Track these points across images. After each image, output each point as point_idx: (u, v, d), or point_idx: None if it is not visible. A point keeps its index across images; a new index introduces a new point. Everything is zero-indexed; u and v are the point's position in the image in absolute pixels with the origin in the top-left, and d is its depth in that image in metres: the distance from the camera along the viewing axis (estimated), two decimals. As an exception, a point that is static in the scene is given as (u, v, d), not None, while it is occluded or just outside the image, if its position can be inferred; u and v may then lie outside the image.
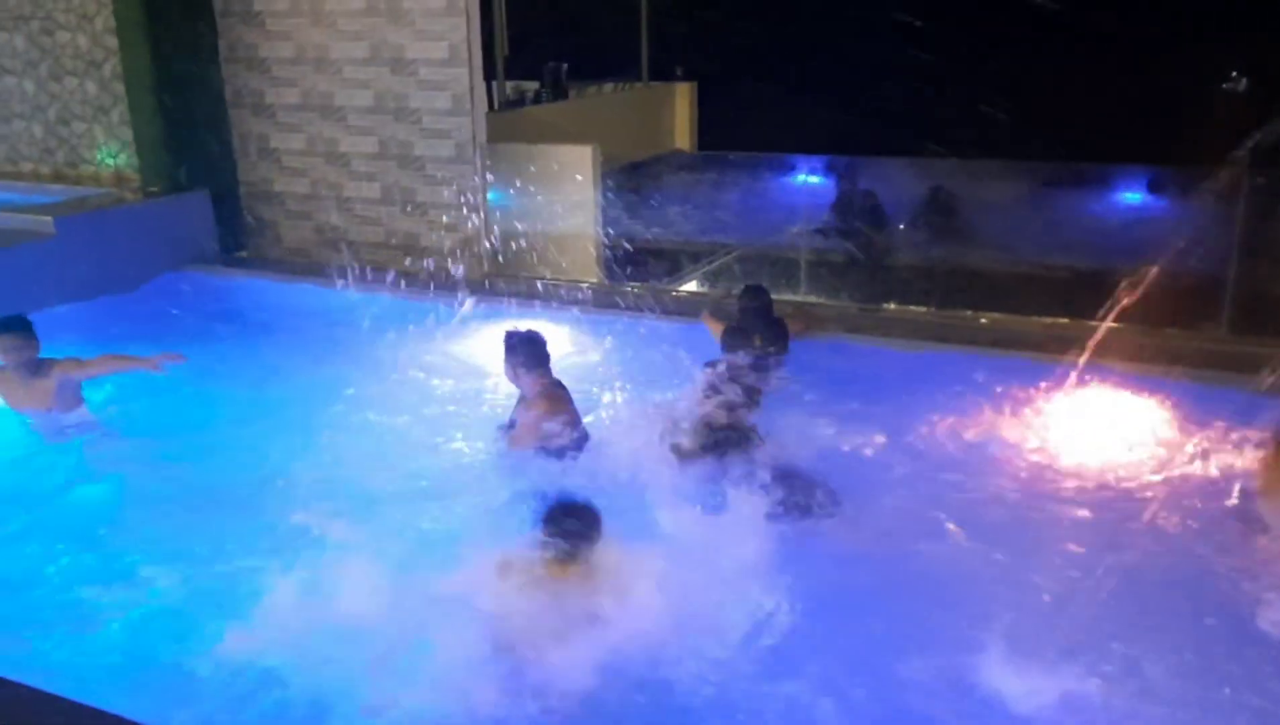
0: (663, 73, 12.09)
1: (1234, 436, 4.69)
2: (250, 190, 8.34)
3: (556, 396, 4.65)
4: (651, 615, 3.44)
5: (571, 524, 3.41)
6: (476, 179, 7.52)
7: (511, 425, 4.76)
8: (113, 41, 8.11)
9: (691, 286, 7.89)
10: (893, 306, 6.65)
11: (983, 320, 6.29)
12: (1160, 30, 11.25)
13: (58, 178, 8.92)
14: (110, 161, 8.63)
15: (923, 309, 6.50)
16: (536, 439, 4.55)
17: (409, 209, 7.80)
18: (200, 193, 8.06)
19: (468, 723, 3.11)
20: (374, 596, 3.59)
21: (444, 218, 7.71)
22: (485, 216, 7.60)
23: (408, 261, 7.85)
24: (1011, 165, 9.18)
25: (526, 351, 4.64)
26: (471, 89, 7.35)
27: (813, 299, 7.04)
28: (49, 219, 7.19)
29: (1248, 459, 4.45)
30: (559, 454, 4.53)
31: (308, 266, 7.99)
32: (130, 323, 6.83)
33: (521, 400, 4.76)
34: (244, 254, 8.33)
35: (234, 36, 7.97)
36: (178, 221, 7.92)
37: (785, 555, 3.86)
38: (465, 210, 7.61)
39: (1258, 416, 4.61)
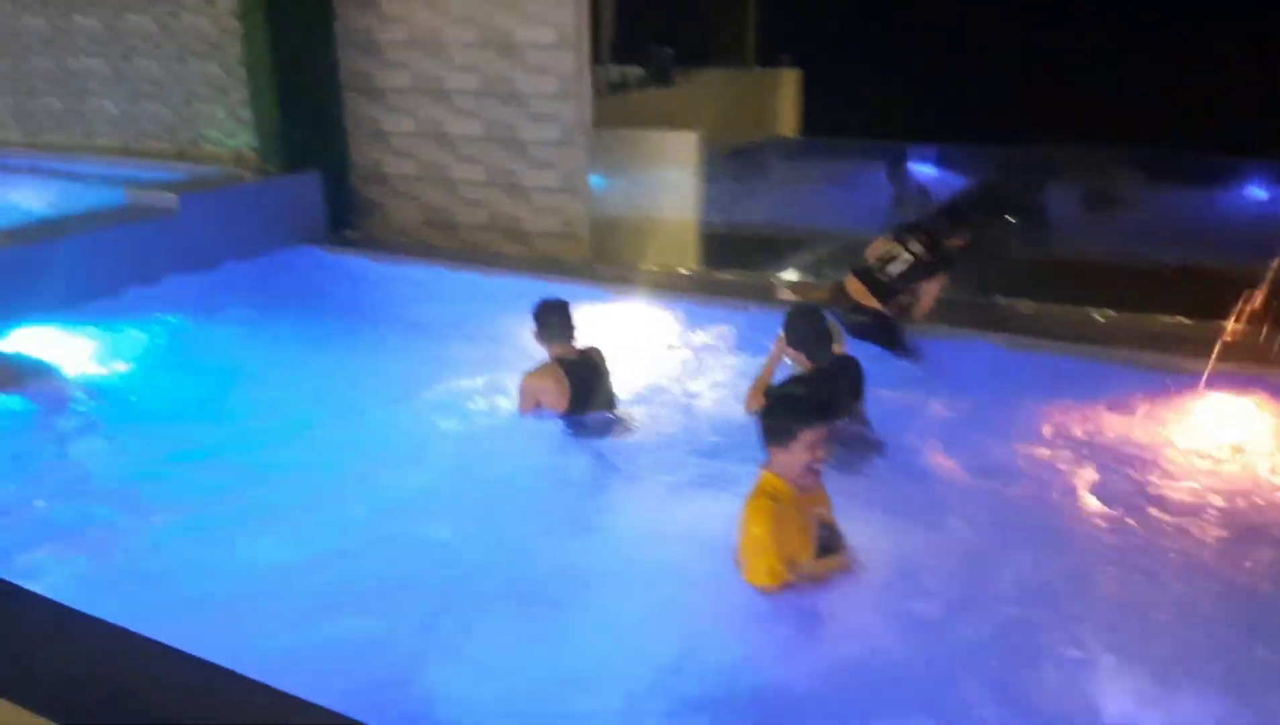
0: (769, 58, 11.97)
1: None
2: (360, 171, 8.54)
3: (548, 369, 4.93)
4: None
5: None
6: (580, 163, 7.55)
7: None
8: (235, 25, 8.37)
9: (792, 275, 7.78)
10: (1029, 303, 6.33)
11: (1097, 317, 6.05)
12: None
13: (181, 156, 9.25)
14: (230, 141, 8.93)
15: (1044, 305, 6.24)
16: (532, 403, 4.93)
17: (511, 192, 7.88)
18: (313, 172, 8.28)
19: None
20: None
21: (547, 201, 7.77)
22: (587, 201, 7.63)
23: (509, 244, 7.96)
24: (1134, 155, 8.82)
25: (554, 321, 4.97)
26: (578, 73, 7.38)
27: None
28: (173, 196, 7.48)
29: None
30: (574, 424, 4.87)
31: (412, 246, 8.15)
32: (244, 295, 7.07)
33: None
34: (352, 233, 8.53)
35: (350, 20, 8.15)
36: (291, 200, 8.15)
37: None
38: (568, 194, 7.65)
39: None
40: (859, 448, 4.36)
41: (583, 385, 4.95)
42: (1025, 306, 6.22)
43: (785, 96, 12.02)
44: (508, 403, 5.16)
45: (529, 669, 3.28)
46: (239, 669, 2.61)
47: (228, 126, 8.89)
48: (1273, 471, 4.47)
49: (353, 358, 5.90)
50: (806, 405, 3.51)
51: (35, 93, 10.24)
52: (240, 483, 4.47)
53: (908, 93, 10.78)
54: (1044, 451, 4.73)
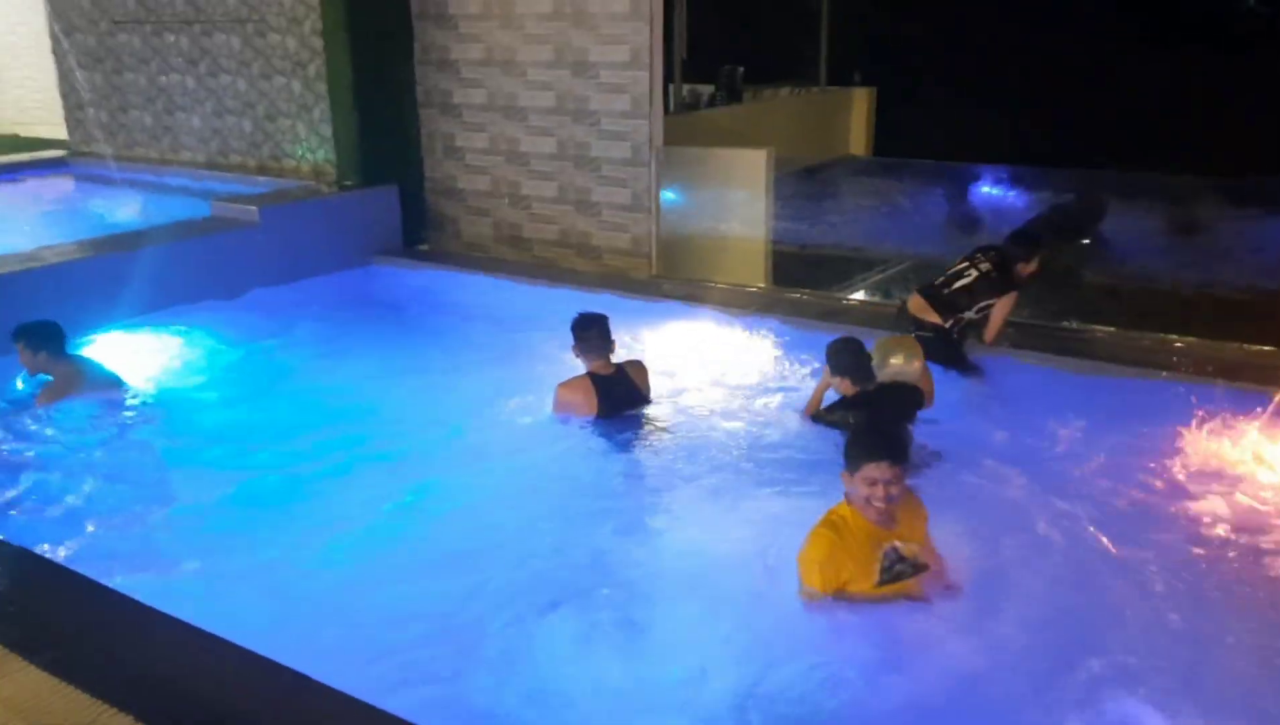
0: (841, 77, 11.93)
1: None
2: (434, 186, 8.72)
3: (579, 383, 5.18)
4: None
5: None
6: (650, 181, 7.62)
7: None
8: (318, 43, 8.62)
9: (860, 295, 7.74)
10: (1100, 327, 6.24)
11: (1176, 344, 5.92)
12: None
13: (262, 170, 9.55)
14: (310, 156, 9.19)
15: (1112, 329, 6.15)
16: (561, 409, 5.19)
17: (581, 209, 7.98)
18: (389, 187, 8.48)
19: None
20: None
21: (616, 218, 7.85)
22: (657, 218, 7.69)
23: (579, 259, 8.04)
24: (1204, 182, 8.61)
25: (591, 336, 5.20)
26: (650, 92, 7.45)
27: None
28: (254, 208, 7.72)
29: None
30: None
31: (484, 260, 8.29)
32: (320, 306, 7.26)
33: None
34: (425, 247, 8.71)
35: (428, 39, 8.34)
36: (368, 214, 8.36)
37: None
38: (637, 211, 7.72)
39: None
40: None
41: (615, 402, 5.20)
42: (1100, 332, 6.11)
43: (857, 115, 11.97)
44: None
45: (597, 681, 3.32)
46: (309, 671, 2.69)
47: (308, 142, 9.15)
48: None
49: (427, 368, 6.01)
50: (873, 440, 3.59)
51: (128, 107, 10.66)
52: (311, 492, 4.59)
53: (981, 113, 10.67)
54: (1122, 477, 4.64)
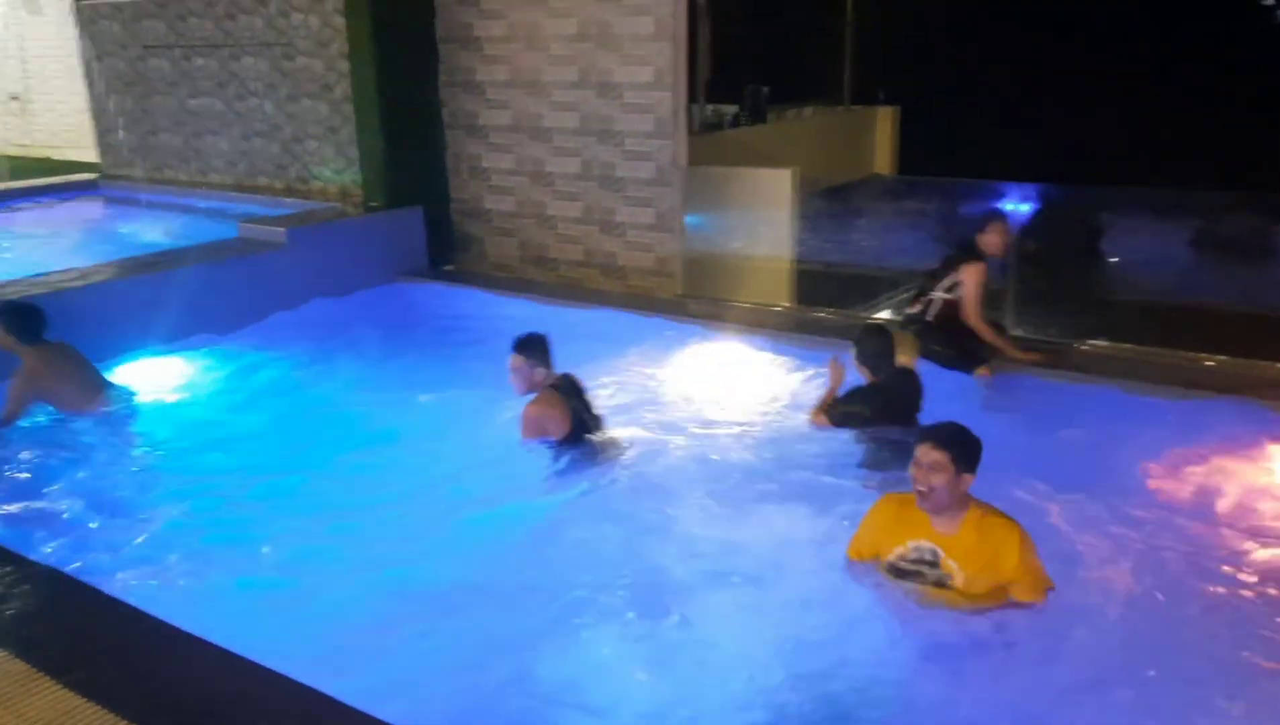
0: (865, 96, 11.91)
1: None
2: (460, 207, 8.76)
3: (550, 397, 4.95)
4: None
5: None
6: (675, 201, 7.61)
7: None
8: (344, 66, 8.70)
9: (885, 314, 7.68)
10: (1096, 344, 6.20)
11: (1208, 362, 5.84)
12: None
13: (289, 192, 9.63)
14: (337, 178, 9.26)
15: (1141, 348, 6.07)
16: (534, 432, 4.94)
17: (607, 229, 7.98)
18: (415, 209, 8.53)
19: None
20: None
21: (641, 238, 7.85)
22: (682, 238, 7.68)
23: (604, 280, 8.05)
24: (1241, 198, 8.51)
25: (541, 349, 4.99)
26: (675, 112, 7.46)
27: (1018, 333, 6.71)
28: (281, 230, 7.77)
29: None
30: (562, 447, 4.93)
31: (510, 281, 8.30)
32: (345, 325, 7.28)
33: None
34: (451, 268, 8.73)
35: (453, 61, 8.40)
36: (394, 235, 8.40)
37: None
38: (662, 231, 7.72)
39: None
40: (908, 457, 4.45)
41: (575, 410, 5.04)
42: (1127, 350, 6.04)
43: (881, 134, 11.94)
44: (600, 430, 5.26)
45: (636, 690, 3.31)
46: (328, 689, 2.67)
47: (335, 163, 9.22)
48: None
49: (452, 387, 5.99)
50: (931, 425, 3.71)
51: (158, 130, 10.80)
52: (341, 515, 4.58)
53: (1006, 131, 10.62)
54: (1144, 493, 4.58)
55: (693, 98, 8.85)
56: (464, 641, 3.61)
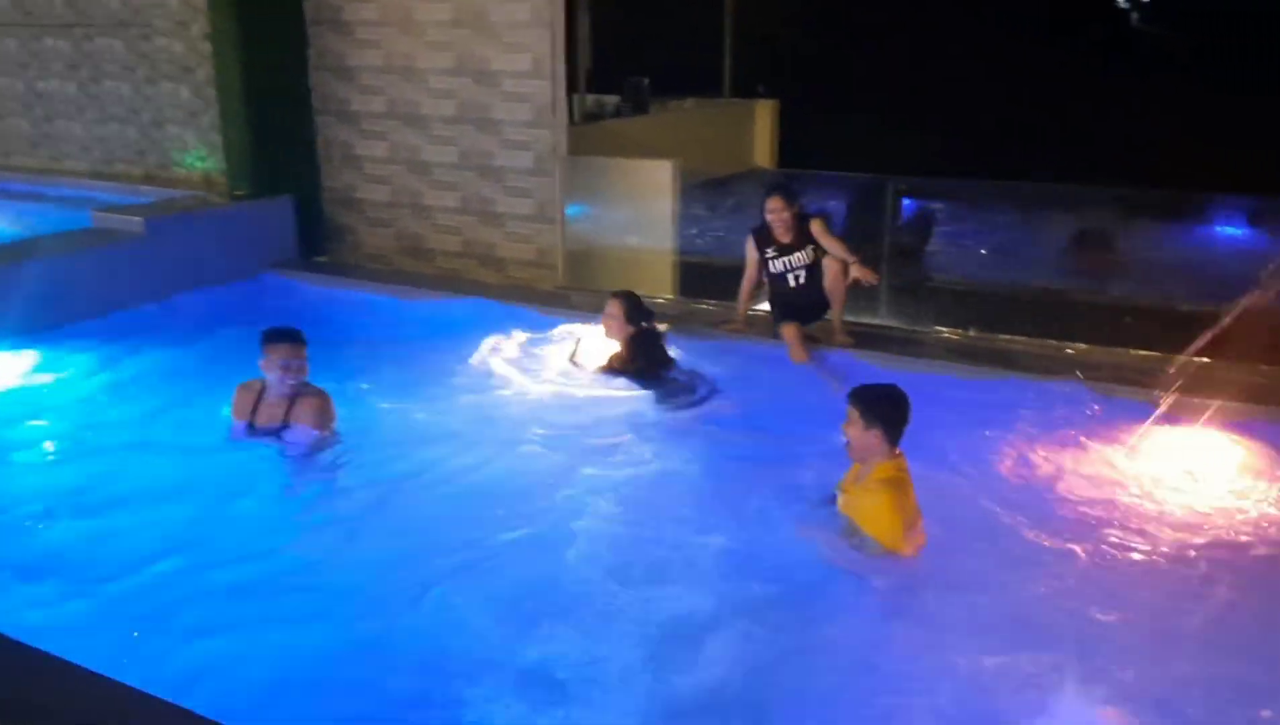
0: (745, 89, 12.00)
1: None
2: (333, 196, 8.46)
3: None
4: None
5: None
6: (555, 191, 7.51)
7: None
8: (207, 48, 8.30)
9: (766, 306, 7.74)
10: (960, 332, 6.41)
11: (1068, 350, 6.07)
12: (1262, 56, 10.87)
13: (149, 179, 9.15)
14: (199, 165, 8.83)
15: (1015, 337, 6.28)
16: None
17: (486, 219, 7.82)
18: (284, 197, 8.19)
19: None
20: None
21: (521, 229, 7.72)
22: (562, 229, 7.58)
23: (483, 271, 7.89)
24: (1098, 191, 8.87)
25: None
26: (554, 101, 7.35)
27: (893, 323, 6.86)
28: (139, 219, 7.36)
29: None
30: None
31: (385, 272, 8.06)
32: (211, 323, 6.93)
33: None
34: (323, 259, 8.44)
35: (323, 45, 8.09)
36: (262, 225, 8.06)
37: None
38: (542, 222, 7.60)
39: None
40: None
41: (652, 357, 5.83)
42: (1000, 340, 6.24)
43: (761, 128, 12.03)
44: (477, 426, 5.20)
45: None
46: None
47: (197, 150, 8.79)
48: (1236, 496, 4.46)
49: (323, 383, 5.76)
50: (853, 388, 4.04)
51: (4, 114, 10.12)
52: (188, 518, 4.34)
53: (884, 125, 10.85)
54: (1006, 475, 4.72)
55: (573, 87, 8.76)
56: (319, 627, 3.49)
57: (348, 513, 4.40)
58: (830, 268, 6.10)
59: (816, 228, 6.17)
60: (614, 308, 5.89)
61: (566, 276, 7.62)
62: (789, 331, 6.09)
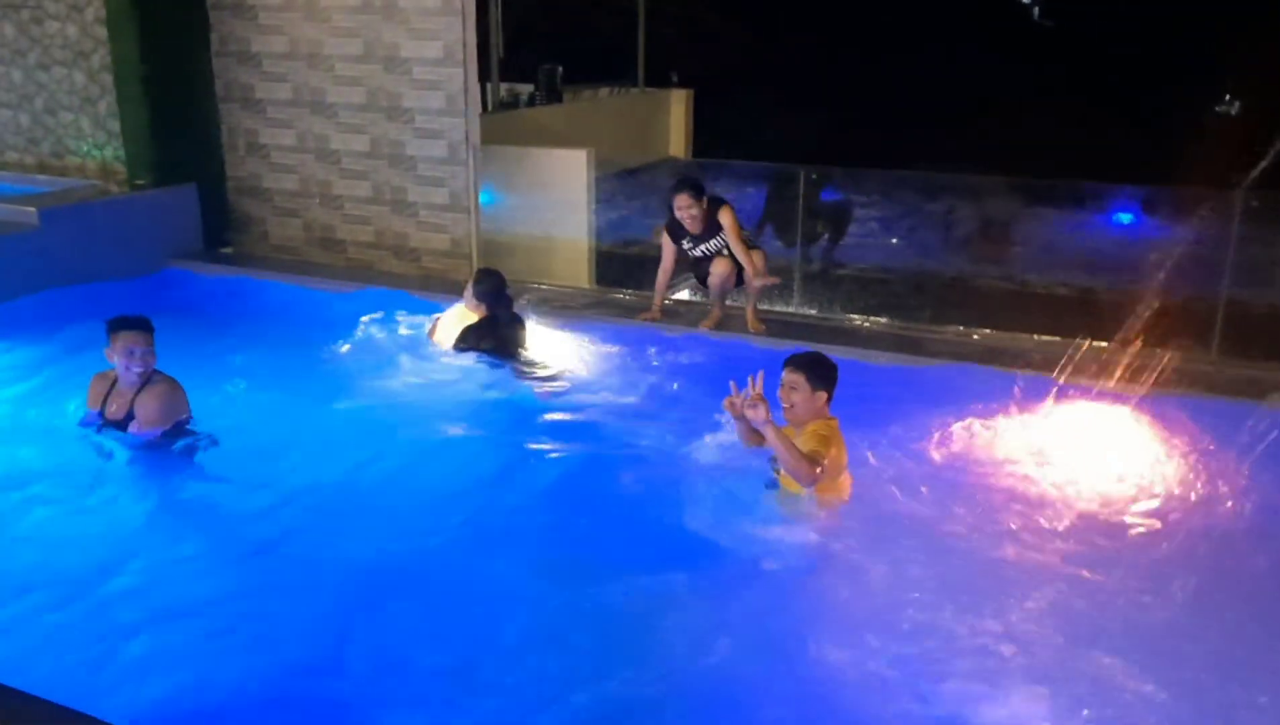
0: (659, 79, 12.03)
1: (1218, 456, 4.66)
2: (238, 185, 8.24)
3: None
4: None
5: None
6: (469, 180, 7.44)
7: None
8: (102, 32, 7.99)
9: (684, 295, 7.80)
10: (874, 320, 6.58)
11: (974, 336, 6.26)
12: (1156, 51, 11.32)
13: (42, 168, 8.77)
14: (96, 153, 8.51)
15: (911, 323, 6.46)
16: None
17: (397, 209, 7.71)
18: (187, 187, 7.96)
19: None
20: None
21: (435, 218, 7.63)
22: (476, 218, 7.52)
23: (396, 261, 7.78)
24: (1000, 181, 9.12)
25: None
26: (466, 89, 7.27)
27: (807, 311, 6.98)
28: (32, 210, 7.07)
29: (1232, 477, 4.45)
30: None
31: (293, 263, 7.89)
32: (110, 315, 6.68)
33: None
34: (229, 250, 8.22)
35: (226, 30, 7.87)
36: (164, 215, 7.81)
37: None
38: (456, 211, 7.53)
39: (1244, 437, 4.61)
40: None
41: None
42: (899, 326, 6.40)
43: (675, 117, 12.08)
44: (384, 414, 5.18)
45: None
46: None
47: (94, 137, 8.47)
48: (1117, 477, 4.66)
49: (229, 378, 5.62)
50: (790, 356, 4.18)
51: (-119, 99, 9.59)
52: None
53: (798, 115, 11.00)
54: (914, 458, 4.85)
55: (486, 76, 8.69)
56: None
57: (189, 504, 4.38)
58: (719, 267, 6.20)
59: (725, 219, 6.22)
60: (469, 287, 5.99)
61: (480, 265, 7.55)
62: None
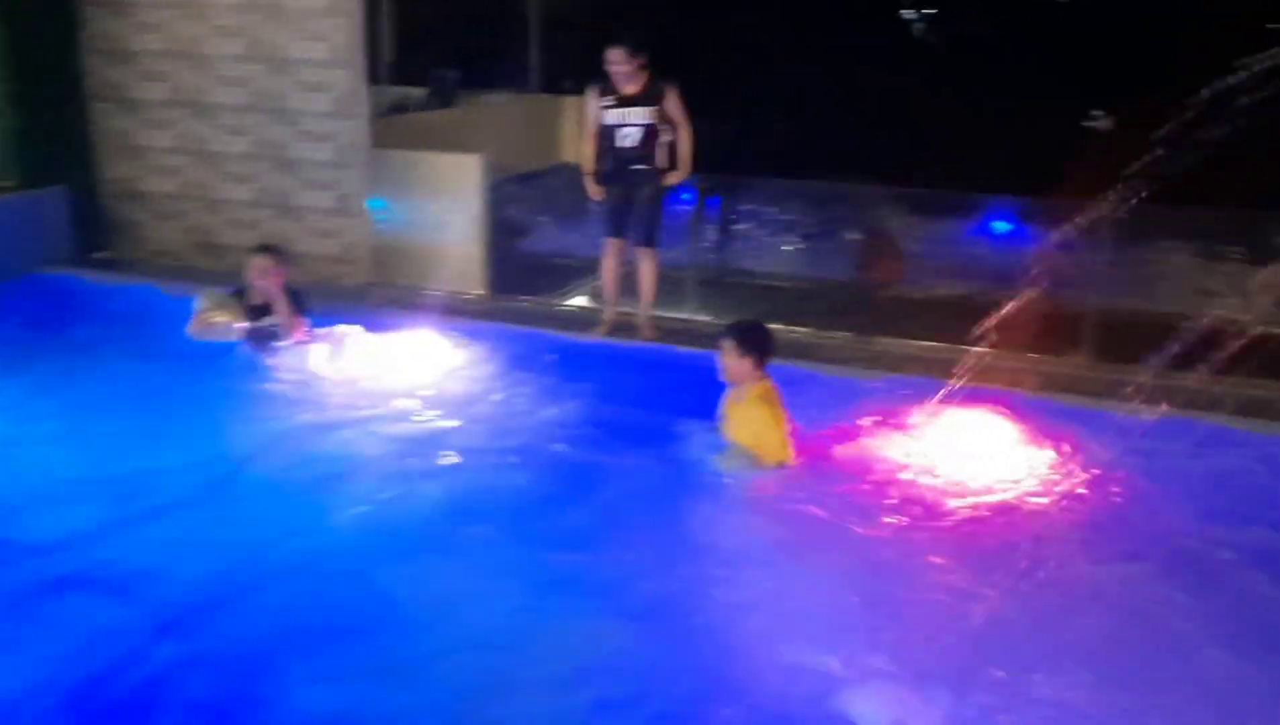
0: (553, 85, 12.00)
1: (1091, 455, 4.87)
2: (113, 188, 7.90)
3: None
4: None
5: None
6: (358, 185, 7.28)
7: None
8: (-37, 25, 7.57)
9: (582, 300, 7.79)
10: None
11: (869, 342, 6.40)
12: (1030, 66, 11.81)
13: (-104, 168, 8.26)
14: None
15: (804, 329, 6.57)
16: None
17: (284, 213, 7.50)
18: (56, 189, 7.59)
19: None
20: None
21: (323, 223, 7.44)
22: (366, 223, 7.36)
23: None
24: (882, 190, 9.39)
25: None
26: (354, 92, 7.13)
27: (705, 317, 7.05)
28: (-117, 212, 6.65)
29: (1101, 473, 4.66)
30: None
31: (172, 268, 7.60)
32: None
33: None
34: (104, 255, 7.87)
35: (98, 26, 7.54)
36: (30, 219, 7.44)
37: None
38: (346, 216, 7.36)
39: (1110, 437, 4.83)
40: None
41: None
42: (799, 333, 6.51)
43: (569, 123, 12.05)
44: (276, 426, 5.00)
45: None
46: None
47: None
48: (1005, 477, 4.81)
49: (102, 391, 5.37)
50: (727, 325, 4.77)
51: None
52: None
53: (693, 121, 11.06)
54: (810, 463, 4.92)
55: (375, 79, 8.52)
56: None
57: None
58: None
59: (673, 98, 5.94)
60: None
61: (371, 272, 7.40)
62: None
